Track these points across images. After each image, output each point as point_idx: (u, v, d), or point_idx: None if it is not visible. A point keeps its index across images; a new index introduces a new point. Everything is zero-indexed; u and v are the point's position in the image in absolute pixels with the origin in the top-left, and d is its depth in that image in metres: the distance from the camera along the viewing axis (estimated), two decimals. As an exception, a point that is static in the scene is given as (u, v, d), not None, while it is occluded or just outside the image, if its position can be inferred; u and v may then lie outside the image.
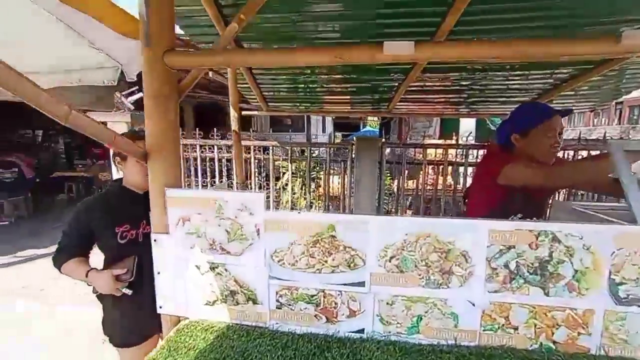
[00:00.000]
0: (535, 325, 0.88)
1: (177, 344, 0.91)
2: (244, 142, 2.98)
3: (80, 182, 7.53)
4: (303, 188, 3.44)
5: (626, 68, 1.87)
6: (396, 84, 2.13)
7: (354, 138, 2.73)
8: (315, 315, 0.99)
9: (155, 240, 1.06)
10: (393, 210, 3.14)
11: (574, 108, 2.84)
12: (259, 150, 3.05)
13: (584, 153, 2.63)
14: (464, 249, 0.88)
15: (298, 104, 2.87)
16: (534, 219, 1.51)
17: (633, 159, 0.98)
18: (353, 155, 2.80)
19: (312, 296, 0.97)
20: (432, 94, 2.50)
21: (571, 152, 2.64)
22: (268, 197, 3.16)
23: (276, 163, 3.08)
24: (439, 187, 2.90)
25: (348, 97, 2.68)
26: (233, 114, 1.68)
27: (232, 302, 1.03)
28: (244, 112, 2.94)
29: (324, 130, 21.45)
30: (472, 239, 0.87)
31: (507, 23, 1.39)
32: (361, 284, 0.93)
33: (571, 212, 1.13)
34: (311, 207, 3.37)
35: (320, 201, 3.19)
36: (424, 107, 2.93)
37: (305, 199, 3.12)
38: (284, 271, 0.98)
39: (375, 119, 19.65)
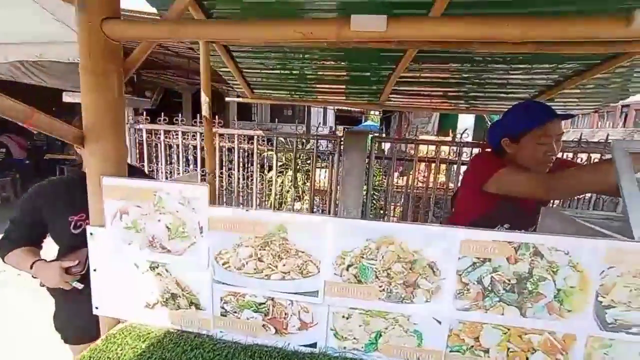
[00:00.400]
0: (508, 349, 0.77)
1: (101, 354, 0.80)
2: (227, 130, 2.85)
3: (71, 165, 7.41)
4: (294, 181, 3.33)
5: (637, 64, 1.73)
6: (387, 74, 1.99)
7: (344, 131, 2.60)
8: (263, 326, 0.88)
9: (91, 234, 0.95)
10: (382, 207, 3.03)
11: (577, 108, 2.71)
12: (244, 140, 2.92)
13: (584, 156, 2.50)
14: (432, 260, 0.76)
15: (288, 92, 2.74)
16: (523, 231, 1.40)
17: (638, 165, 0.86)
18: (341, 149, 2.67)
19: (260, 304, 0.87)
20: (428, 86, 2.36)
21: (570, 155, 2.51)
22: (251, 190, 3.04)
23: (269, 154, 2.94)
24: (431, 185, 2.78)
25: (342, 86, 2.54)
26: (204, 97, 1.55)
27: (173, 306, 0.92)
28: (228, 99, 2.82)
29: (324, 123, 21.26)
30: (442, 249, 0.75)
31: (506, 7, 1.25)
32: (314, 293, 0.82)
33: (561, 220, 1.01)
34: (300, 199, 3.26)
35: (308, 195, 3.07)
36: (420, 100, 2.79)
37: (289, 191, 3.00)
38: (229, 275, 0.87)
39: (377, 113, 19.39)
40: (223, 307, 0.89)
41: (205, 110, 1.56)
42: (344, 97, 2.88)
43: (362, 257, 0.79)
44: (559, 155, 1.31)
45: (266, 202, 3.09)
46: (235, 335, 0.90)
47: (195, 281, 0.90)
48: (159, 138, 3.06)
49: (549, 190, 1.12)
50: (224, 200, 3.13)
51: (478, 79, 2.13)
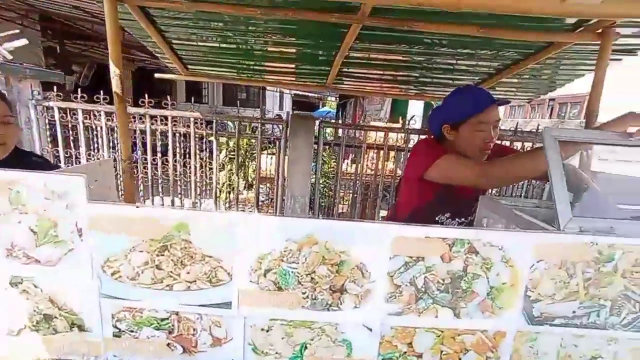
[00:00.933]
0: (441, 352, 0.72)
1: None
2: (160, 112, 2.52)
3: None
4: (238, 168, 3.10)
5: (562, 57, 1.83)
6: (333, 53, 1.86)
7: (289, 115, 2.44)
8: (168, 345, 0.73)
9: None
10: (332, 195, 2.96)
11: (514, 97, 2.86)
12: (181, 123, 2.61)
13: (518, 145, 2.66)
14: (360, 262, 0.67)
15: (231, 70, 2.48)
16: (463, 219, 1.41)
17: (568, 153, 0.84)
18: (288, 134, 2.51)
19: (163, 320, 0.71)
20: (379, 69, 2.29)
21: (507, 143, 2.65)
22: (189, 179, 2.77)
23: (210, 140, 2.67)
24: (380, 172, 2.76)
25: (290, 65, 2.36)
26: (114, 70, 1.28)
27: (47, 331, 0.73)
28: (159, 76, 2.48)
29: (281, 107, 20.74)
30: (372, 249, 0.66)
31: None
32: (227, 304, 0.69)
33: (498, 210, 0.99)
34: (247, 188, 3.06)
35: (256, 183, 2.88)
36: (371, 85, 2.72)
37: (232, 180, 2.79)
38: (121, 287, 0.70)
39: (334, 99, 19.36)
40: (116, 327, 0.73)
41: (115, 85, 1.30)
42: (294, 78, 2.71)
43: (282, 260, 0.67)
44: (497, 141, 1.33)
45: (207, 193, 2.84)
46: (134, 358, 0.74)
47: (77, 297, 0.72)
48: (77, 119, 2.61)
49: (487, 178, 1.12)
50: (160, 190, 2.82)
51: (427, 63, 2.10)
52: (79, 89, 2.67)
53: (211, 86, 18.34)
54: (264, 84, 2.66)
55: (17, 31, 2.57)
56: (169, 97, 2.53)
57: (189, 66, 2.32)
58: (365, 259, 0.67)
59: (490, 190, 1.60)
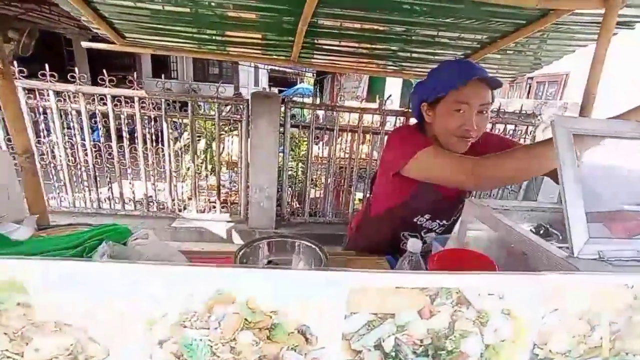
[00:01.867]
0: None
1: None
2: (93, 89, 2.13)
3: None
4: (207, 152, 2.79)
5: (554, 30, 1.64)
6: (296, 20, 1.57)
7: (250, 94, 2.14)
8: None
9: None
10: (303, 181, 2.73)
11: (497, 75, 2.68)
12: (126, 102, 2.23)
13: (501, 127, 2.51)
14: (302, 323, 0.46)
15: (184, 41, 2.11)
16: (445, 221, 1.24)
17: (581, 148, 0.65)
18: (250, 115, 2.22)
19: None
20: (353, 41, 2.02)
21: (489, 126, 2.50)
22: (137, 167, 2.43)
23: (185, 122, 2.31)
24: (355, 156, 2.55)
25: (255, 35, 2.03)
26: None
27: None
28: (86, 45, 2.07)
29: (256, 84, 19.87)
30: (319, 305, 0.45)
31: None
32: (105, 391, 0.46)
33: (486, 218, 0.80)
34: (206, 176, 2.77)
35: (220, 167, 2.59)
36: (344, 59, 2.44)
37: (189, 168, 2.49)
38: None
39: (312, 75, 18.66)
40: None
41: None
42: (257, 50, 2.38)
43: (185, 325, 0.45)
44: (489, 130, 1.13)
45: (160, 181, 2.53)
46: None
47: None
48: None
49: (478, 177, 0.92)
50: (104, 182, 2.47)
51: (406, 34, 1.86)
52: (15, 61, 2.20)
53: (180, 60, 17.15)
54: (222, 57, 2.32)
55: None
56: (135, 74, 2.13)
57: (126, 35, 1.93)
58: (310, 319, 0.46)
59: (474, 194, 1.42)
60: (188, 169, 2.46)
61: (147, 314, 0.44)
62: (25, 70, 2.10)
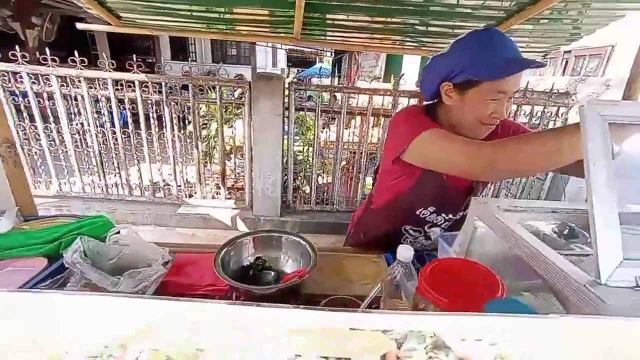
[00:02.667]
0: None
1: None
2: (95, 74, 2.09)
3: None
4: (196, 138, 2.72)
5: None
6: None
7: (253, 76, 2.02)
8: None
9: None
10: (310, 167, 2.63)
11: (527, 50, 2.41)
12: (123, 86, 2.18)
13: (527, 108, 2.27)
14: (233, 366, 0.36)
15: (180, 19, 2.00)
16: (451, 215, 1.11)
17: (620, 136, 0.51)
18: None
19: None
20: (360, 14, 1.84)
21: (514, 107, 2.26)
22: (141, 152, 2.41)
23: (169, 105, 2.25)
24: (363, 141, 2.40)
25: (251, 12, 1.89)
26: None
27: None
28: (82, 26, 2.01)
29: (274, 65, 19.64)
30: (255, 342, 0.36)
31: None
32: None
33: (492, 224, 0.68)
34: (209, 162, 2.73)
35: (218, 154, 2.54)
36: (355, 35, 2.26)
37: (192, 152, 2.43)
38: None
39: (330, 54, 18.13)
40: None
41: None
42: (260, 28, 2.24)
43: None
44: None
45: (167, 166, 2.50)
46: None
47: None
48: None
49: (490, 165, 0.80)
50: (112, 168, 2.48)
51: (423, 5, 1.66)
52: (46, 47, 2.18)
53: (198, 42, 17.16)
54: (221, 36, 2.20)
55: None
56: (154, 55, 2.07)
57: (122, 14, 1.85)
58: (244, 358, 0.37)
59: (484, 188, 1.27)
60: (191, 154, 2.42)
61: (50, 348, 0.37)
62: (56, 58, 2.06)
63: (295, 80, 2.10)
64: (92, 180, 2.50)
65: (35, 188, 2.47)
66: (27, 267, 0.90)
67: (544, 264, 0.52)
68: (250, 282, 1.07)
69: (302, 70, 14.12)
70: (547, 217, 0.77)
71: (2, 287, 0.79)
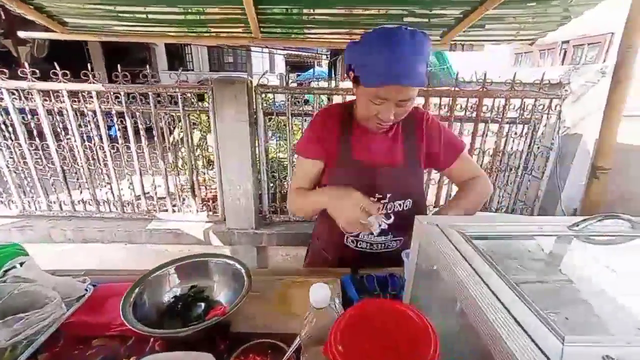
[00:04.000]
0: None
1: None
2: (48, 85, 1.95)
3: None
4: (164, 148, 2.59)
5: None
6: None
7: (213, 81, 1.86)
8: None
9: None
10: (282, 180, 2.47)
11: (513, 39, 2.23)
12: (86, 98, 2.05)
13: (517, 102, 2.09)
14: None
15: (129, 23, 1.85)
16: (377, 195, 1.07)
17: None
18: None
19: None
20: (323, 8, 1.69)
21: (502, 101, 2.08)
22: (105, 166, 2.28)
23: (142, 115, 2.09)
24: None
25: (213, 11, 1.75)
26: None
27: None
28: (24, 35, 1.89)
29: (272, 69, 19.58)
30: None
31: None
32: None
33: (436, 255, 0.51)
34: (176, 173, 2.58)
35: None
36: (322, 31, 2.10)
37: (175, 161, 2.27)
38: None
39: (326, 57, 18.02)
40: None
41: None
42: (225, 29, 2.09)
43: None
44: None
45: (124, 181, 2.36)
46: None
47: None
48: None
49: (290, 209, 1.24)
50: (75, 185, 2.35)
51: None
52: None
53: (195, 51, 17.22)
54: (178, 40, 2.08)
55: None
56: (149, 66, 1.95)
57: (68, 19, 1.73)
58: None
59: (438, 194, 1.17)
60: (157, 166, 2.27)
61: None
62: (37, 71, 1.90)
63: (293, 83, 1.93)
64: (57, 197, 2.37)
65: (-1, 208, 2.36)
66: None
67: (486, 328, 0.35)
68: (179, 315, 0.92)
69: (299, 75, 14.02)
70: (522, 243, 0.59)
71: None
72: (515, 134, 2.23)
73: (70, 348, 0.80)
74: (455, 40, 2.09)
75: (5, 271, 0.90)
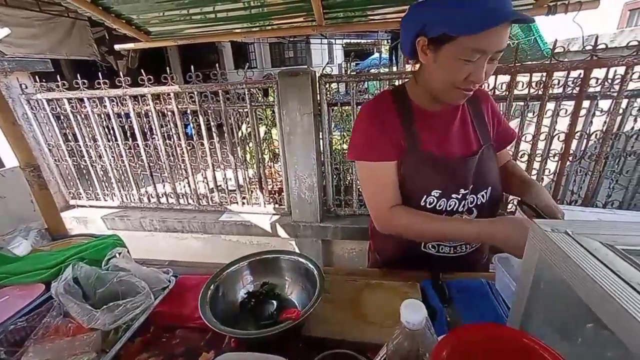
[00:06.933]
0: None
1: None
2: (136, 90, 2.19)
3: None
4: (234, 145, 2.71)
5: None
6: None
7: (278, 74, 1.87)
8: None
9: None
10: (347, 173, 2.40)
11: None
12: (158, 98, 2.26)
13: (601, 73, 1.66)
14: None
15: (211, 23, 1.97)
16: (462, 191, 0.95)
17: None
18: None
19: None
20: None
21: (620, 70, 1.67)
22: (183, 162, 2.49)
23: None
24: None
25: (276, 1, 1.75)
26: None
27: None
28: (119, 47, 2.12)
29: (331, 60, 19.56)
30: None
31: None
32: None
33: (566, 267, 0.39)
34: (246, 167, 2.70)
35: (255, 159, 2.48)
36: (386, 11, 1.95)
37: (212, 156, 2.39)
38: None
39: (387, 42, 17.23)
40: None
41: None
42: (281, 21, 2.08)
43: None
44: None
45: (204, 174, 2.55)
46: None
47: None
48: (75, 109, 2.45)
49: (383, 225, 0.97)
50: (160, 179, 2.62)
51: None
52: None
53: (257, 48, 18.06)
54: (245, 37, 2.13)
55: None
56: (217, 66, 2.14)
57: (152, 29, 1.90)
58: None
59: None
60: (228, 161, 2.41)
61: None
62: (129, 79, 2.23)
63: (353, 72, 1.89)
64: (146, 190, 2.70)
65: (106, 200, 2.78)
66: (22, 296, 0.89)
67: None
68: (251, 314, 0.93)
69: (358, 64, 13.72)
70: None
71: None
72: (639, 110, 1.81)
73: (159, 335, 0.86)
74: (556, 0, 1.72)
75: (108, 259, 1.02)
